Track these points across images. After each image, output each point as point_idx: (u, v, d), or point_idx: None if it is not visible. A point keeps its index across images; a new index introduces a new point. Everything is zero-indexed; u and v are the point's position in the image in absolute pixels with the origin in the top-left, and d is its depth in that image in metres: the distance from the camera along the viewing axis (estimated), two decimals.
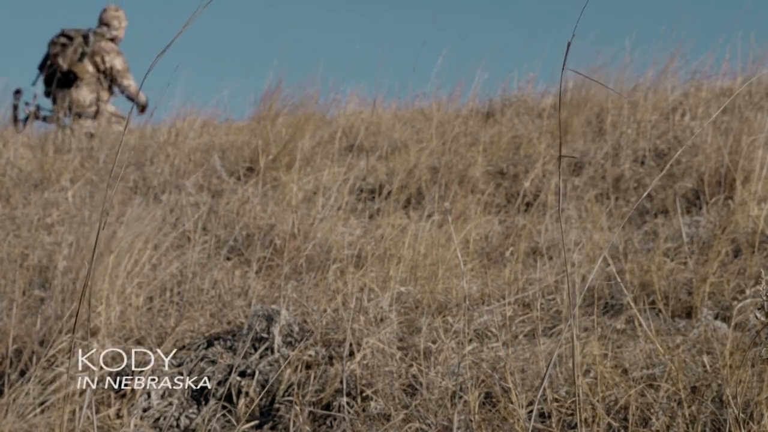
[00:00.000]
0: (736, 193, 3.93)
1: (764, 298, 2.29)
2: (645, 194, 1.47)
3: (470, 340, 2.86)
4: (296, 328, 2.91)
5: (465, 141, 5.24)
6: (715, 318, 2.91)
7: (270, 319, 2.93)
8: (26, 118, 6.67)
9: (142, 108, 7.01)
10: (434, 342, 2.83)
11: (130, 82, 6.91)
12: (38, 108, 6.73)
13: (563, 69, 1.45)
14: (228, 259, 3.87)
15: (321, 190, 4.35)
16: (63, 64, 6.68)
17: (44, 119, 6.74)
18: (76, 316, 1.37)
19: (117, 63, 6.86)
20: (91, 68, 6.76)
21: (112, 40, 6.92)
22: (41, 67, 6.80)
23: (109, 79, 6.88)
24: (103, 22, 6.94)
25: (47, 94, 6.80)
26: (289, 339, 2.90)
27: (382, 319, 2.94)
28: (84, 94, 6.73)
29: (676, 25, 7.88)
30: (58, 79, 6.73)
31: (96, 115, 6.75)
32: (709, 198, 4.07)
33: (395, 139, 5.48)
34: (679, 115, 5.33)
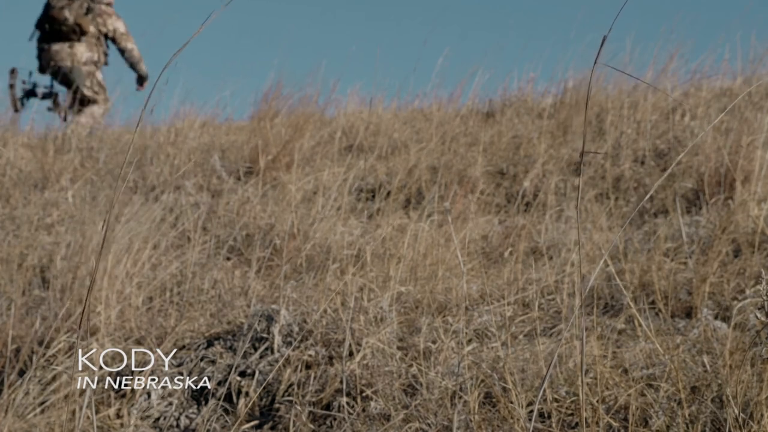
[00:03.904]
0: (736, 193, 3.93)
1: (764, 298, 2.29)
2: (647, 198, 1.47)
3: (470, 340, 2.86)
4: (296, 328, 2.91)
5: (465, 141, 5.24)
6: (715, 318, 2.91)
7: (270, 319, 2.93)
8: (23, 96, 6.62)
9: (143, 80, 6.87)
10: (434, 342, 2.83)
11: (133, 46, 6.77)
12: (35, 85, 6.67)
13: (594, 64, 1.46)
14: (228, 259, 3.87)
15: (321, 190, 4.35)
16: (69, 16, 6.58)
17: (43, 97, 6.68)
18: (81, 315, 1.37)
19: (119, 26, 6.74)
20: (93, 28, 6.67)
21: (110, 4, 6.84)
22: (39, 24, 6.69)
23: (110, 41, 6.77)
24: None
25: (41, 70, 6.71)
26: (289, 339, 2.90)
27: (381, 319, 2.94)
28: (81, 50, 6.61)
29: (675, 25, 7.88)
30: (56, 32, 6.60)
31: (87, 77, 6.62)
32: (709, 198, 4.07)
33: (395, 139, 5.48)
34: (679, 115, 5.33)
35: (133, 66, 6.80)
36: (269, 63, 8.90)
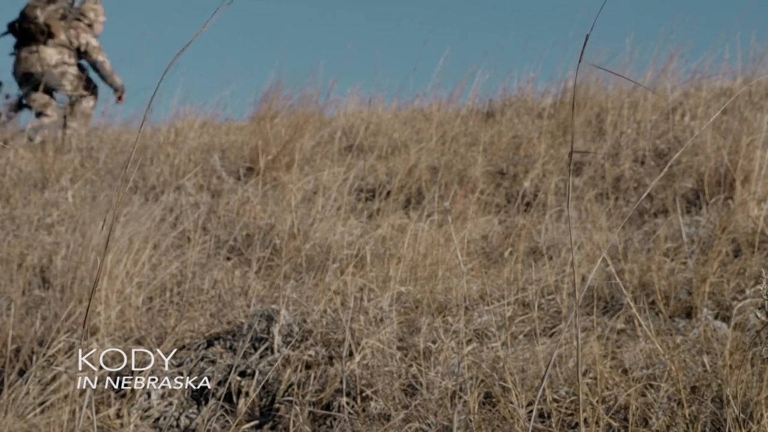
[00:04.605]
0: (735, 193, 3.93)
1: (764, 297, 2.29)
2: (644, 195, 1.47)
3: (470, 340, 2.86)
4: (296, 328, 2.91)
5: (465, 141, 5.24)
6: (715, 318, 2.91)
7: (270, 319, 2.93)
8: (10, 110, 6.59)
9: (120, 94, 6.81)
10: (434, 342, 2.83)
11: (104, 59, 6.67)
12: (22, 97, 6.64)
13: (579, 62, 1.46)
14: (228, 259, 3.87)
15: (321, 190, 4.35)
16: (41, 16, 6.54)
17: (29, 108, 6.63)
18: (86, 314, 1.37)
19: (92, 40, 6.67)
20: (64, 36, 6.62)
21: (90, 26, 6.80)
22: (11, 24, 6.60)
23: (82, 53, 6.69)
24: (80, 13, 6.85)
25: (19, 82, 6.66)
26: (289, 339, 2.90)
27: (381, 319, 2.94)
28: (50, 53, 6.55)
29: (675, 25, 7.89)
30: (25, 32, 6.55)
31: (61, 77, 6.57)
32: (709, 198, 4.07)
33: (395, 139, 5.48)
34: (679, 115, 5.33)
35: (105, 79, 6.74)
36: (269, 63, 8.90)
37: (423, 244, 3.47)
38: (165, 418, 2.76)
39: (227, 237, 4.01)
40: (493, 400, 2.49)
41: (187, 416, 2.76)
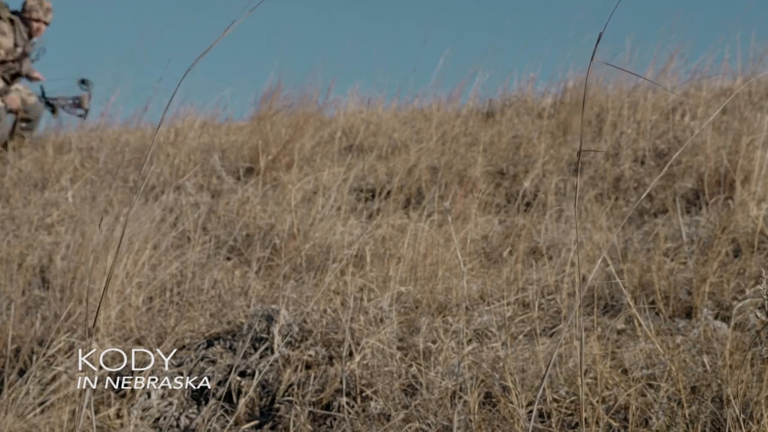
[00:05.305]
0: (735, 193, 3.93)
1: (764, 297, 2.29)
2: (644, 195, 1.47)
3: (470, 340, 2.86)
4: (296, 328, 2.91)
5: (465, 141, 5.23)
6: (715, 318, 2.91)
7: (270, 319, 2.93)
8: None
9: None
10: (434, 342, 2.83)
11: None
12: None
13: (591, 60, 1.47)
14: (228, 259, 3.87)
15: (321, 190, 4.34)
16: None
17: None
18: (98, 315, 1.37)
19: (2, 40, 6.33)
20: None
21: (11, 22, 6.55)
22: None
23: None
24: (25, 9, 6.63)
25: None
26: (289, 339, 2.90)
27: (381, 319, 2.94)
28: None
29: (675, 25, 7.90)
30: None
31: None
32: (709, 198, 4.07)
33: (395, 139, 5.48)
34: (679, 115, 5.33)
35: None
36: (269, 63, 8.90)
37: (423, 244, 3.47)
38: (165, 418, 2.76)
39: (227, 237, 4.01)
40: (493, 400, 2.49)
41: (187, 416, 2.76)
